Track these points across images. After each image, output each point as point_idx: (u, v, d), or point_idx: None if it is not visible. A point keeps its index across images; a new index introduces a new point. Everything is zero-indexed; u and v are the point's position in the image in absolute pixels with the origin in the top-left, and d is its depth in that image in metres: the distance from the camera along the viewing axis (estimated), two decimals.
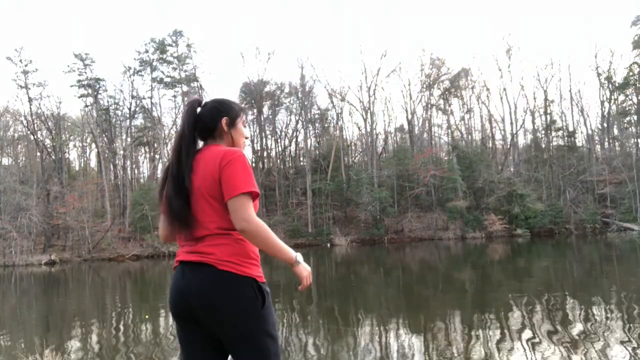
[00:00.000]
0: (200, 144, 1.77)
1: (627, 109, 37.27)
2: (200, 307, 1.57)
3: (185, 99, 39.57)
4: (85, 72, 34.66)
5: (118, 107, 37.48)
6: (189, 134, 1.70)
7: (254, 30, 62.93)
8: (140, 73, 35.41)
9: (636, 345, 4.95)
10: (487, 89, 40.98)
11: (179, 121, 42.57)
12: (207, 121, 1.73)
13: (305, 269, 1.71)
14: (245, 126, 1.84)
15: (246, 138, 1.84)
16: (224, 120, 1.73)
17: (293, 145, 43.55)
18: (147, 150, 45.10)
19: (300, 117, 39.64)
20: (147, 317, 8.74)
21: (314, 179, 34.06)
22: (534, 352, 4.96)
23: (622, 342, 5.09)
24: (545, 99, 37.28)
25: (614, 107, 38.24)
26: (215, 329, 1.59)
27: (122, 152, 38.27)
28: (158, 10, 64.92)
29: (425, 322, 7.04)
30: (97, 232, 29.51)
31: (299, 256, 1.69)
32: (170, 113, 53.08)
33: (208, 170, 1.60)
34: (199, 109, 1.76)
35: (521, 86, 38.38)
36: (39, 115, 34.40)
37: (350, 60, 67.65)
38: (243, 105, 1.88)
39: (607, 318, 6.41)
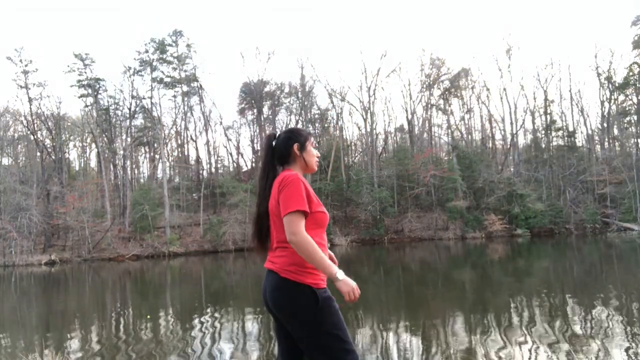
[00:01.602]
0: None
1: (627, 109, 37.23)
2: (272, 306, 1.91)
3: (185, 98, 39.74)
4: (85, 72, 34.65)
5: (118, 107, 37.46)
6: (268, 164, 2.08)
7: (254, 30, 62.90)
8: (140, 73, 35.38)
9: (636, 346, 4.95)
10: (487, 89, 41.00)
11: (178, 121, 42.80)
12: (282, 150, 2.06)
13: (345, 285, 1.80)
14: (315, 147, 2.14)
15: (317, 157, 2.14)
16: (295, 146, 2.05)
17: None
18: (147, 150, 45.11)
19: (300, 117, 39.65)
20: (149, 317, 8.75)
21: (314, 179, 34.04)
22: (534, 352, 4.97)
23: (622, 343, 5.10)
24: (545, 99, 37.28)
25: (614, 107, 38.24)
26: (285, 325, 1.92)
27: (122, 152, 38.25)
28: (158, 10, 64.90)
29: (425, 322, 7.04)
30: (97, 232, 29.51)
31: (339, 273, 1.81)
32: (170, 113, 53.36)
33: (274, 194, 1.93)
34: (274, 142, 2.11)
35: (521, 86, 38.40)
36: (39, 115, 34.38)
37: (350, 60, 67.55)
38: (309, 131, 2.24)
39: (607, 318, 6.41)
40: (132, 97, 36.09)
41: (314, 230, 1.92)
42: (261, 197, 2.04)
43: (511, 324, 6.47)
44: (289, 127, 41.96)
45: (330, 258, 2.21)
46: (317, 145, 2.13)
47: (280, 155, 2.07)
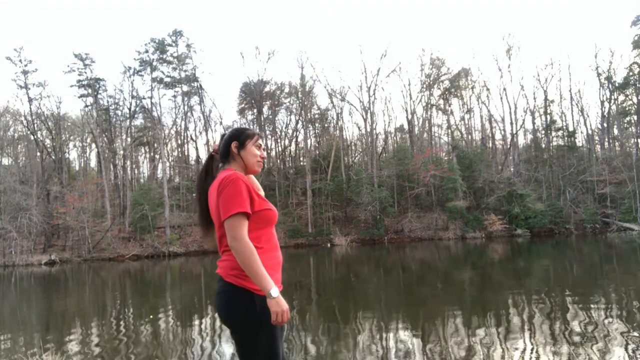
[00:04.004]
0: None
1: (627, 109, 37.23)
2: (217, 311, 1.86)
3: (185, 98, 39.72)
4: (85, 72, 34.69)
5: (118, 107, 37.50)
6: (207, 163, 2.03)
7: (254, 30, 62.92)
8: (140, 73, 35.39)
9: (636, 346, 4.95)
10: (487, 89, 40.99)
11: (178, 121, 42.77)
12: (222, 147, 1.99)
13: (278, 305, 1.68)
14: (258, 147, 2.01)
15: (262, 158, 2.01)
16: (233, 144, 1.97)
17: (293, 145, 43.61)
18: (147, 150, 45.13)
19: (300, 117, 39.64)
20: (151, 317, 8.74)
21: (314, 179, 34.04)
22: (534, 353, 4.97)
23: (622, 343, 5.10)
24: (545, 99, 37.28)
25: (614, 107, 38.23)
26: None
27: (122, 152, 38.26)
28: (158, 10, 64.95)
29: (425, 322, 7.04)
30: (97, 232, 29.51)
31: (274, 290, 1.68)
32: (170, 113, 53.46)
33: (212, 198, 1.84)
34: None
35: (521, 86, 38.39)
36: (39, 115, 34.39)
37: (350, 60, 67.60)
38: (258, 131, 2.14)
39: (607, 318, 6.41)
40: (132, 97, 36.14)
41: (262, 230, 1.82)
42: (198, 196, 1.99)
43: (511, 323, 6.47)
44: (288, 126, 41.20)
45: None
46: (264, 146, 2.05)
47: (221, 153, 2.00)
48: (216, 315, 8.49)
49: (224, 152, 1.99)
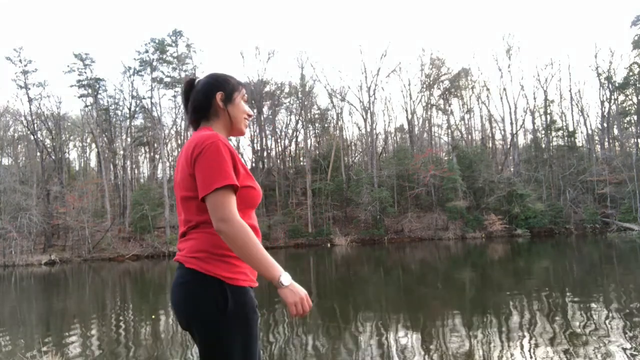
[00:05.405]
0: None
1: (627, 109, 37.26)
2: (173, 308, 1.43)
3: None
4: (85, 72, 34.75)
5: (118, 107, 37.56)
6: (185, 101, 1.57)
7: (254, 30, 62.96)
8: (140, 73, 35.45)
9: (635, 346, 4.95)
10: (487, 89, 40.98)
11: (178, 121, 42.76)
12: (201, 99, 1.51)
13: (292, 293, 1.34)
14: (246, 102, 1.60)
15: (249, 116, 1.59)
16: (218, 95, 1.51)
17: (293, 145, 43.58)
18: (147, 150, 45.11)
19: (300, 117, 39.64)
20: (153, 317, 8.74)
21: (314, 179, 34.04)
22: (534, 353, 4.96)
23: (622, 343, 5.10)
24: (545, 99, 37.29)
25: (614, 107, 38.24)
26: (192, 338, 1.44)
27: (122, 152, 38.28)
28: (158, 10, 64.97)
29: (425, 322, 7.04)
30: (97, 232, 29.51)
31: (284, 277, 1.33)
32: (170, 113, 53.39)
33: (181, 163, 1.43)
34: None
35: (521, 86, 38.42)
36: (39, 115, 34.42)
37: (350, 60, 67.63)
38: (243, 81, 1.65)
39: (606, 318, 6.41)
40: (132, 97, 36.19)
41: (242, 212, 1.41)
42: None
43: (511, 324, 6.47)
44: (288, 126, 41.00)
45: None
46: (247, 99, 1.58)
47: (197, 107, 1.52)
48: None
49: (202, 105, 1.52)
